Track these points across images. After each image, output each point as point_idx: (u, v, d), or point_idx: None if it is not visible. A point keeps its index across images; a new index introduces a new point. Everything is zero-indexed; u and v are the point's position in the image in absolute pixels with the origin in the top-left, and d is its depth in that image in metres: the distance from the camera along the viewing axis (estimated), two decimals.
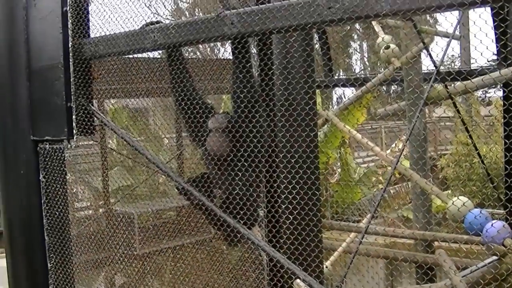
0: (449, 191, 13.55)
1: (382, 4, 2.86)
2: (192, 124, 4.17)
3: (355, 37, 30.21)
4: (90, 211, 7.92)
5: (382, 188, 5.87)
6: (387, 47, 6.65)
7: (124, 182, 8.48)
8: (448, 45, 5.56)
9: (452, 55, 24.34)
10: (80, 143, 4.46)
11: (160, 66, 5.88)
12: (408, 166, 7.31)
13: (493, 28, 5.99)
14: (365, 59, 31.00)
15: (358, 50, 31.02)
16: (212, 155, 4.06)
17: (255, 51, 3.97)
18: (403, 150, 5.71)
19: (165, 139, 9.08)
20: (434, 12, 2.81)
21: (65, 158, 4.35)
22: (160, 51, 4.54)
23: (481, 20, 3.81)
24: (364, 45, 30.94)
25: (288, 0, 3.20)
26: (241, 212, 3.80)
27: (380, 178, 14.31)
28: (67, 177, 4.40)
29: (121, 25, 4.21)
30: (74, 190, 7.06)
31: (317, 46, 8.18)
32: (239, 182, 3.87)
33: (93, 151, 7.70)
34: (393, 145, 13.54)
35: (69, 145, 4.32)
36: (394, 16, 3.01)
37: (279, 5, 3.20)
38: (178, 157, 8.04)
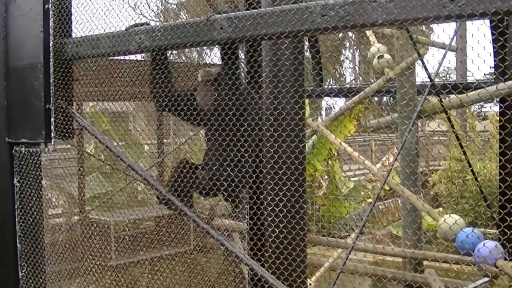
0: (441, 209, 13.43)
1: (378, 13, 2.78)
2: (185, 116, 4.07)
3: (347, 45, 30.21)
4: (65, 219, 7.73)
5: (371, 203, 5.74)
6: (381, 57, 6.52)
7: (102, 189, 8.29)
8: (444, 56, 5.46)
9: (448, 67, 24.38)
10: (57, 147, 4.29)
11: (144, 69, 5.73)
12: (398, 181, 7.16)
13: (492, 42, 5.89)
14: (357, 69, 30.99)
15: (349, 59, 31.02)
16: (205, 110, 4.00)
17: (244, 57, 3.88)
18: (393, 164, 5.57)
19: (146, 145, 8.93)
20: (432, 23, 2.74)
21: (41, 162, 4.18)
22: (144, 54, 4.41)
23: (480, 33, 3.71)
24: (356, 54, 30.96)
25: (281, 5, 3.07)
26: (229, 189, 3.84)
27: (369, 192, 14.12)
28: (43, 182, 4.24)
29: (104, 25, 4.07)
30: (49, 196, 6.88)
31: (307, 53, 8.01)
32: (230, 153, 3.82)
33: (69, 155, 7.52)
34: (384, 159, 13.34)
35: (46, 149, 4.17)
36: (390, 26, 2.88)
37: (271, 11, 3.10)
38: (159, 164, 7.88)
